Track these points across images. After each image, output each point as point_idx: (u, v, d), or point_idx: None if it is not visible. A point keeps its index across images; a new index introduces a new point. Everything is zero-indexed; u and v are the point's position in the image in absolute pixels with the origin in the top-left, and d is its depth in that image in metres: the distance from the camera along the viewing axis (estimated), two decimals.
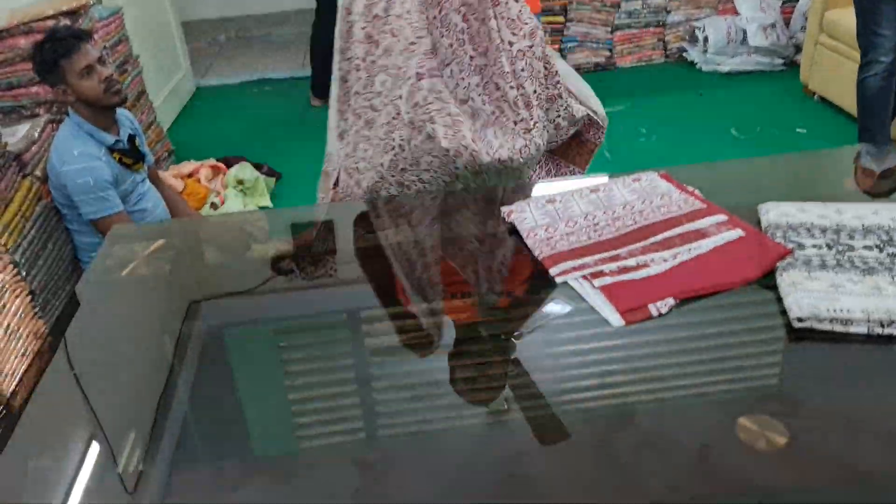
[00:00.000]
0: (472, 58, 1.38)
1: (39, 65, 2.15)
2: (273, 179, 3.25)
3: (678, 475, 0.74)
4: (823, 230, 1.00)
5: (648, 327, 0.91)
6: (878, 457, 0.74)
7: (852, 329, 0.85)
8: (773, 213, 1.05)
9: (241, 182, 3.03)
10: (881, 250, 0.95)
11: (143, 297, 1.15)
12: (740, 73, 4.15)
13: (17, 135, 2.23)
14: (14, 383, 0.95)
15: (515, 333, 0.97)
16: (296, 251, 1.25)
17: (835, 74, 3.46)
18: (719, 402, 0.83)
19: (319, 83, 4.21)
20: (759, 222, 1.06)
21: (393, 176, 1.42)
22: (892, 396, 0.81)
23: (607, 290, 0.95)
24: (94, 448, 0.83)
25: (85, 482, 0.78)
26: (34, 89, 2.51)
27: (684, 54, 4.40)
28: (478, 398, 0.88)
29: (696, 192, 1.14)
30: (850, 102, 3.24)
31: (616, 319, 0.91)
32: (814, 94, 3.72)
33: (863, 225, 1.01)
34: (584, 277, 0.98)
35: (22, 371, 0.98)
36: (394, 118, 1.41)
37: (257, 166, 3.23)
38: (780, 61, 4.16)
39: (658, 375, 0.88)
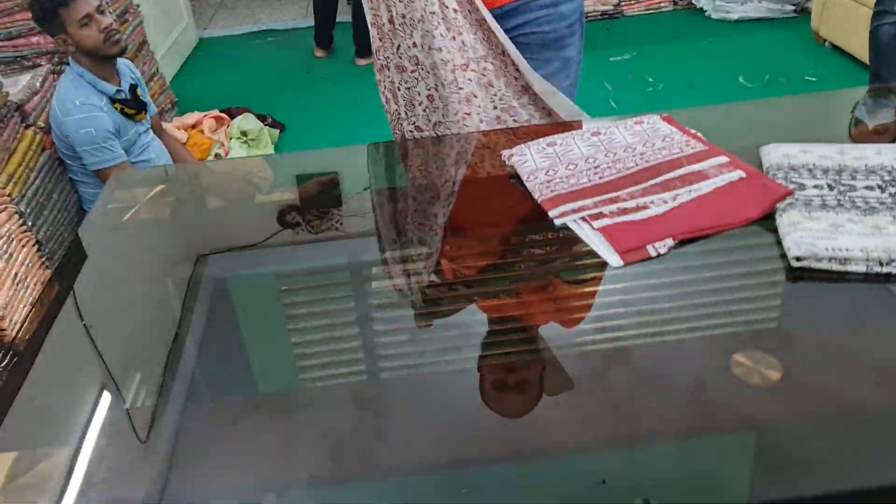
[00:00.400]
0: None
1: (38, 13, 2.13)
2: (277, 131, 3.24)
3: (672, 410, 0.75)
4: (825, 171, 1.00)
5: (647, 267, 0.91)
6: (872, 392, 0.75)
7: (850, 268, 0.85)
8: (775, 154, 1.05)
9: (244, 133, 3.02)
10: (883, 190, 0.95)
11: (147, 242, 1.16)
12: (750, 21, 4.07)
13: (19, 85, 2.22)
14: (23, 331, 0.96)
15: (515, 276, 0.97)
16: (301, 202, 1.24)
17: (847, 21, 3.39)
18: (716, 340, 0.84)
19: (322, 33, 4.16)
20: (761, 164, 1.06)
21: (430, 131, 1.39)
22: (887, 333, 0.82)
23: (606, 231, 0.95)
24: (108, 391, 0.85)
25: (98, 425, 0.79)
26: (35, 39, 2.49)
27: (693, 1, 4.32)
28: (471, 338, 0.89)
29: (699, 134, 1.13)
30: (862, 50, 3.18)
31: (615, 260, 0.91)
32: (825, 41, 3.65)
33: (865, 165, 1.00)
34: (584, 219, 0.98)
35: (26, 314, 1.00)
36: (413, 70, 1.36)
37: (261, 117, 3.22)
38: (791, 8, 4.07)
39: (659, 318, 0.88)
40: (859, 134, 1.18)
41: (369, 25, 1.45)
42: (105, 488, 0.72)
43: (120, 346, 0.93)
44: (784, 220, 0.92)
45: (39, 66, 2.46)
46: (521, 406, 0.79)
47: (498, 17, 1.45)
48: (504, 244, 1.07)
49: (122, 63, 2.30)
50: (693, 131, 1.14)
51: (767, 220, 0.95)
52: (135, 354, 0.91)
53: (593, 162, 1.10)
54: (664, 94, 3.45)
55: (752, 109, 1.41)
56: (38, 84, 2.27)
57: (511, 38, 1.47)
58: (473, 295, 0.96)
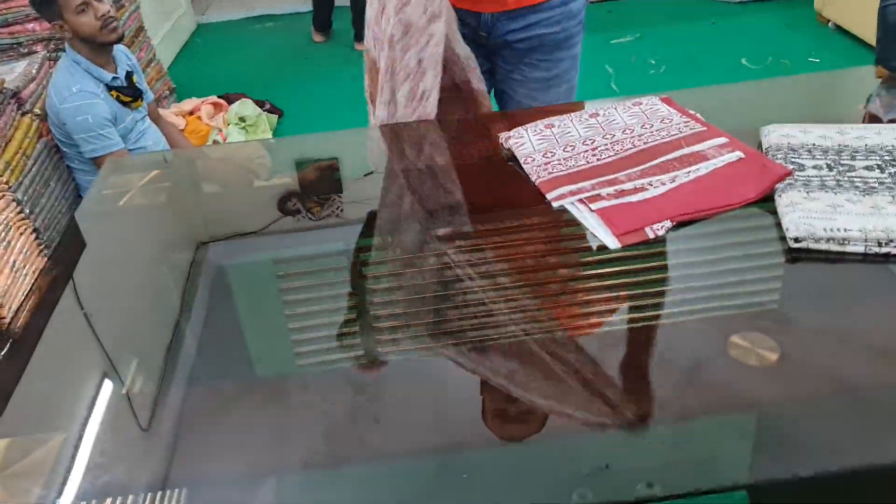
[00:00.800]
0: None
1: None
2: (275, 116, 3.22)
3: (672, 392, 0.75)
4: (825, 151, 0.99)
5: (645, 249, 0.90)
6: (870, 372, 0.74)
7: (849, 248, 0.84)
8: (775, 134, 1.03)
9: (242, 119, 3.01)
10: (882, 170, 0.93)
11: (145, 228, 1.15)
12: (753, 1, 4.03)
13: (15, 72, 2.21)
14: (21, 319, 0.96)
15: (511, 257, 0.96)
16: (301, 188, 1.23)
17: (851, 2, 3.35)
18: (714, 322, 0.83)
19: (321, 18, 4.13)
20: (760, 145, 1.05)
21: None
22: (884, 314, 0.81)
23: (604, 213, 0.94)
24: (108, 377, 0.85)
25: (96, 412, 0.79)
26: (30, 26, 2.48)
27: None
28: (469, 321, 0.88)
29: (698, 115, 1.12)
30: (866, 31, 3.15)
31: (612, 241, 0.91)
32: (828, 21, 3.61)
33: (865, 145, 0.99)
34: (581, 201, 0.97)
35: (22, 299, 1.00)
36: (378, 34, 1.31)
37: (259, 103, 3.20)
38: None
39: (657, 300, 0.88)
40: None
41: None
42: (101, 473, 0.72)
43: (120, 334, 0.93)
44: (783, 201, 0.91)
45: (35, 52, 2.45)
46: (517, 391, 0.78)
47: (510, 18, 1.42)
48: (501, 227, 1.06)
49: (119, 50, 2.28)
50: (692, 112, 1.13)
51: (767, 201, 0.94)
52: (135, 341, 0.91)
53: (591, 144, 1.09)
54: (666, 77, 3.42)
55: (752, 90, 1.40)
56: (34, 71, 2.25)
57: (522, 41, 1.44)
58: (470, 278, 0.96)
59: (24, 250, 1.87)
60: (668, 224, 0.92)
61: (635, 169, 1.02)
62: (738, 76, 3.30)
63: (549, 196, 1.00)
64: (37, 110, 2.19)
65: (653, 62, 3.55)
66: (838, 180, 0.92)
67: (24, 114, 2.14)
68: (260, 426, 0.76)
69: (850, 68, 1.85)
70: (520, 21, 1.42)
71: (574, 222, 0.96)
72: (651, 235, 0.91)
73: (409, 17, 1.23)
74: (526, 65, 1.46)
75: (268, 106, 3.25)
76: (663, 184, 0.98)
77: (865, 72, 1.52)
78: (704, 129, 1.07)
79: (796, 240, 0.86)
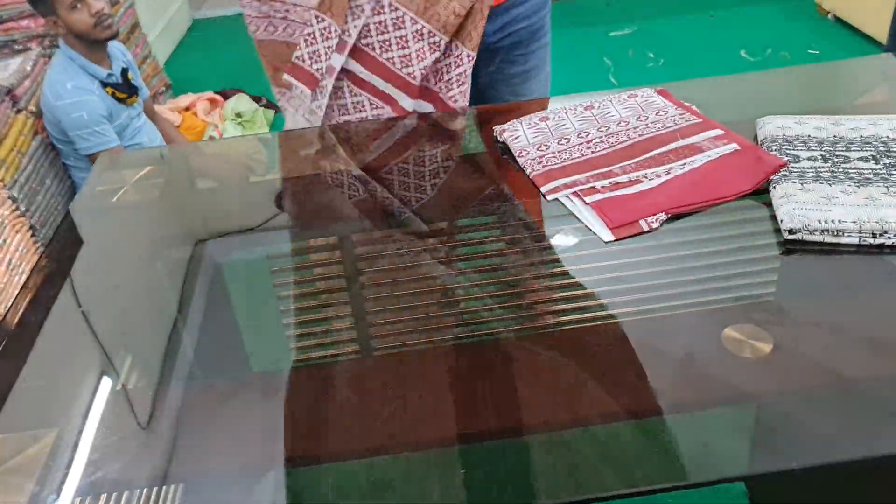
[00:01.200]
0: None
1: None
2: (272, 112, 3.21)
3: (664, 384, 0.75)
4: (820, 142, 0.98)
5: (639, 242, 0.90)
6: (864, 364, 0.74)
7: (843, 240, 0.84)
8: (770, 126, 1.03)
9: (239, 115, 3.00)
10: (877, 161, 0.93)
11: (140, 225, 1.15)
12: None
13: (9, 69, 2.20)
14: (16, 316, 0.96)
15: (505, 249, 0.96)
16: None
17: None
18: (708, 314, 0.83)
19: None
20: (756, 137, 1.04)
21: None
22: (879, 305, 0.81)
23: (598, 206, 0.94)
24: (107, 372, 0.85)
25: (93, 408, 0.79)
26: (25, 22, 2.47)
27: None
28: (465, 315, 0.88)
29: (693, 107, 1.11)
30: (867, 21, 3.13)
31: (606, 234, 0.90)
32: (828, 13, 3.60)
33: (860, 136, 0.98)
34: (576, 194, 0.97)
35: (17, 296, 0.99)
36: None
37: (256, 99, 3.19)
38: None
39: (651, 294, 0.87)
40: None
41: None
42: (97, 469, 0.72)
43: (117, 330, 0.92)
44: (778, 193, 0.90)
45: (30, 49, 2.44)
46: (510, 382, 0.78)
47: (489, 20, 1.41)
48: (495, 220, 1.06)
49: (114, 46, 2.28)
50: (687, 104, 1.12)
51: (761, 193, 0.93)
52: (132, 338, 0.91)
53: (586, 136, 1.09)
54: (665, 70, 3.41)
55: (748, 82, 1.39)
56: (28, 68, 2.25)
57: (502, 39, 1.44)
58: (465, 272, 0.95)
59: (20, 248, 1.86)
60: (662, 216, 0.92)
61: (630, 161, 1.01)
62: (736, 68, 3.29)
63: (543, 189, 1.00)
64: (32, 108, 2.18)
65: (651, 55, 3.53)
66: (833, 171, 0.92)
67: (18, 111, 2.13)
68: (258, 422, 0.76)
69: (849, 59, 1.84)
70: (499, 20, 1.42)
71: (568, 214, 0.95)
72: (646, 228, 0.91)
73: None
74: (505, 62, 1.47)
75: (264, 101, 3.24)
76: (658, 176, 0.98)
77: (865, 62, 1.51)
78: (699, 120, 1.07)
79: (791, 231, 0.85)
